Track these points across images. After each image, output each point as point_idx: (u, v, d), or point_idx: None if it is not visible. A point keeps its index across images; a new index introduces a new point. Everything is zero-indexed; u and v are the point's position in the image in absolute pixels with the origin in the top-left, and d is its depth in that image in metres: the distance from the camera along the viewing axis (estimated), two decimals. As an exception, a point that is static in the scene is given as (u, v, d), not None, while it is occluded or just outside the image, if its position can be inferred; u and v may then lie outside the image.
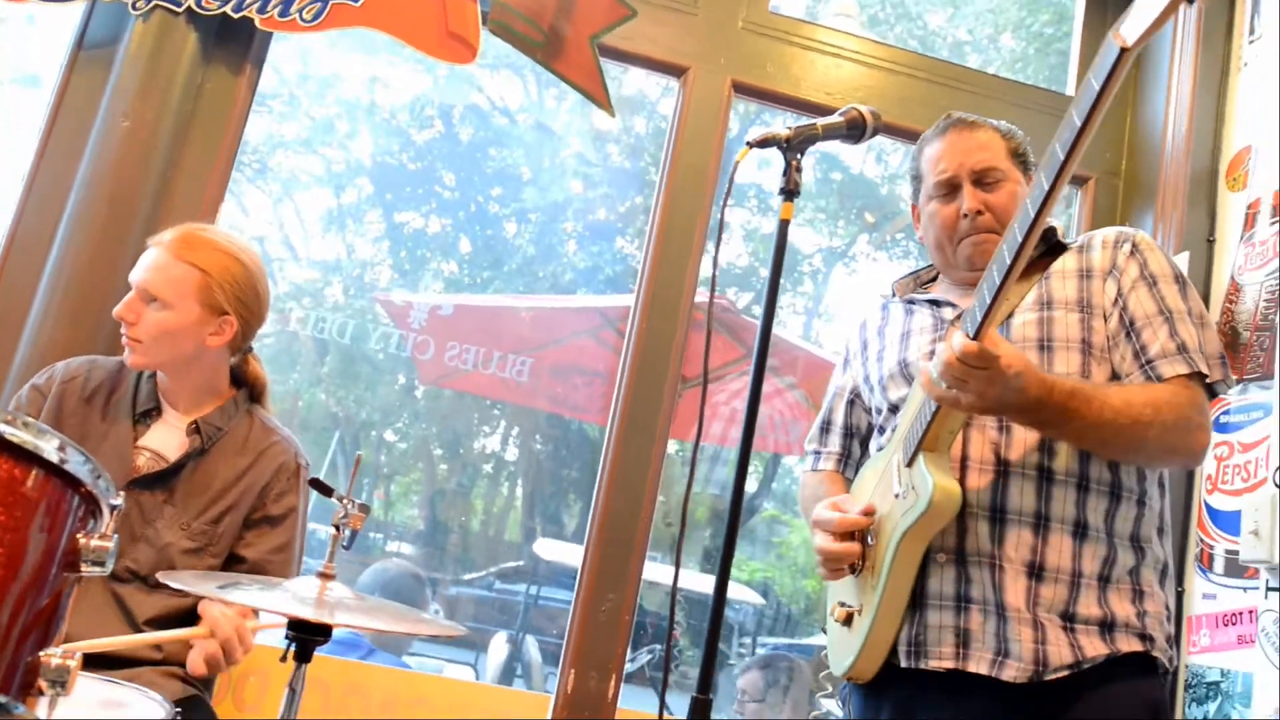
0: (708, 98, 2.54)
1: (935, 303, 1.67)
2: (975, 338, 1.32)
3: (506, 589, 8.38)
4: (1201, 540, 2.35)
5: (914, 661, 1.49)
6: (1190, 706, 2.26)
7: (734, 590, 8.64)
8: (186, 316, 1.74)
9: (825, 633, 1.68)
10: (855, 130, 1.47)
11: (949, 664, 1.46)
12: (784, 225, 1.37)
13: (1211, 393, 1.48)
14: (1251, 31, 2.58)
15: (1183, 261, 2.48)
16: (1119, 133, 2.80)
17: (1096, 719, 1.41)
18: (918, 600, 1.50)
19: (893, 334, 1.70)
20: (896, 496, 1.49)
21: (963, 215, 1.57)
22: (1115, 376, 1.51)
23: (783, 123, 1.52)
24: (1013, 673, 1.42)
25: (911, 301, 1.72)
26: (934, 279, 1.78)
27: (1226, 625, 2.23)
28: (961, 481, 1.47)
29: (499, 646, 5.51)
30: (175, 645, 1.69)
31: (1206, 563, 2.32)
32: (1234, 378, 1.49)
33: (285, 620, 1.32)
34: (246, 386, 1.88)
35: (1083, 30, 2.87)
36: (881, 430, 1.67)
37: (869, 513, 1.53)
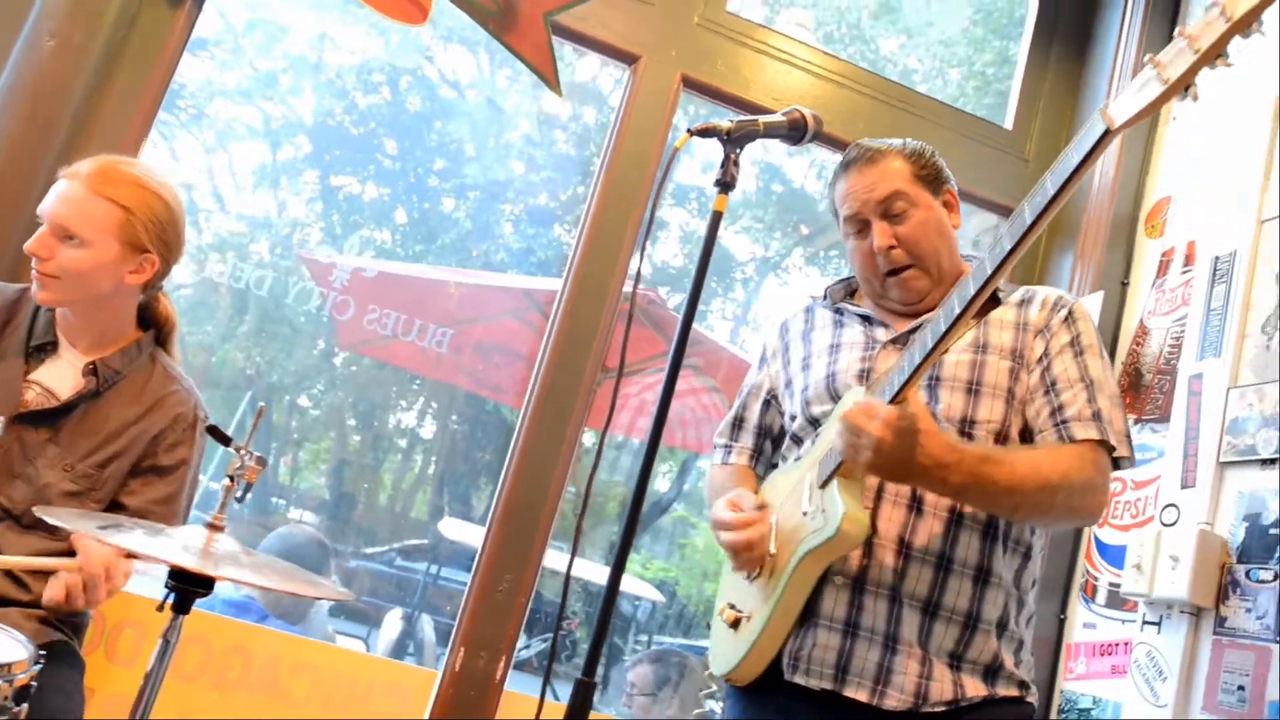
0: (656, 89, 2.54)
1: (867, 319, 1.67)
2: (895, 400, 1.36)
3: (407, 566, 8.27)
4: (1088, 571, 2.43)
5: (793, 675, 1.50)
6: (1061, 730, 2.33)
7: (635, 586, 8.66)
8: (105, 255, 1.66)
9: (709, 628, 1.69)
10: (796, 131, 1.48)
11: (827, 685, 1.48)
12: (716, 216, 1.37)
13: (1115, 465, 1.51)
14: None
15: (1097, 300, 2.56)
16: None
17: None
18: (808, 617, 1.51)
19: (820, 343, 1.69)
20: (805, 515, 1.49)
21: (876, 252, 1.59)
22: (1026, 429, 1.54)
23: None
24: (893, 702, 1.44)
25: (840, 311, 1.71)
26: (859, 290, 1.79)
27: (1102, 655, 2.31)
28: (874, 511, 1.49)
29: (393, 622, 5.44)
30: (43, 587, 1.62)
31: (1090, 593, 2.40)
32: (1134, 460, 1.55)
33: (166, 569, 1.28)
34: (154, 328, 1.81)
35: (1024, 75, 2.94)
36: (799, 440, 1.66)
37: (761, 506, 1.54)
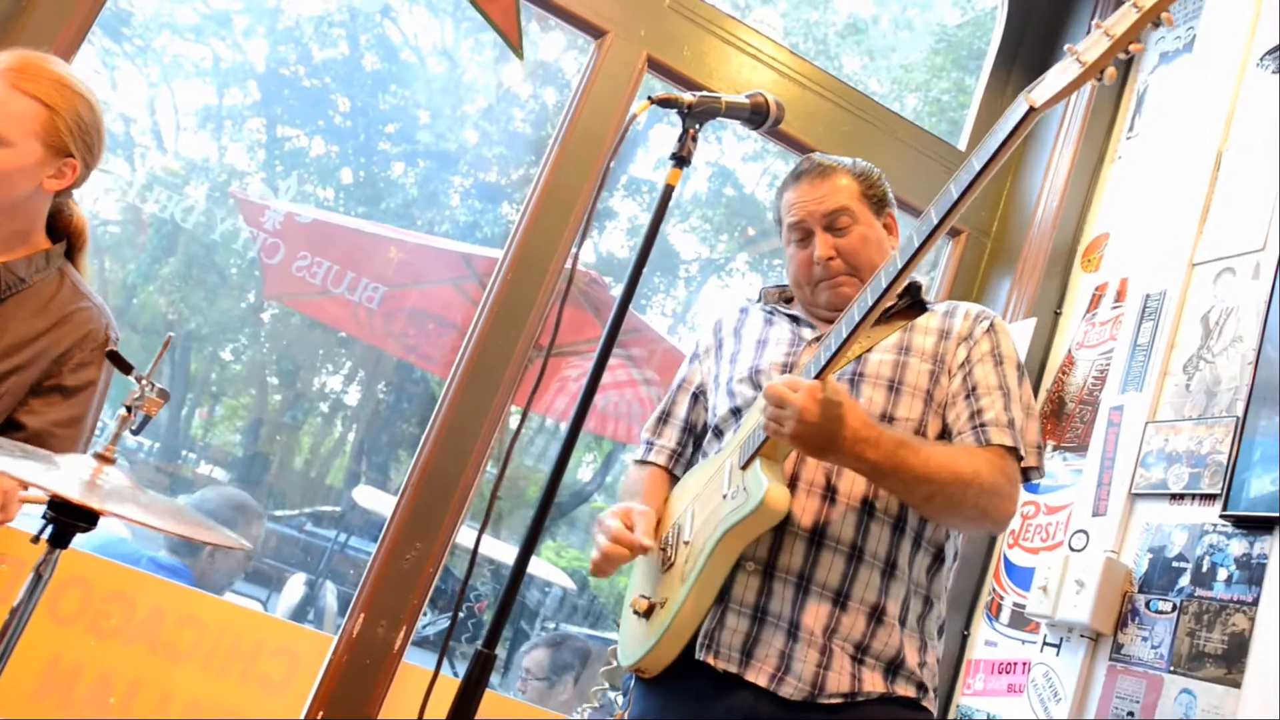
0: (620, 67, 2.50)
1: (795, 319, 1.71)
2: (819, 376, 1.38)
3: (316, 532, 8.10)
4: (994, 589, 2.46)
5: (705, 654, 1.51)
6: (952, 744, 2.36)
7: (547, 571, 8.61)
8: (27, 157, 1.56)
9: (617, 625, 1.67)
10: (758, 116, 1.45)
11: (732, 668, 1.48)
12: (668, 190, 1.33)
13: (1024, 477, 1.55)
14: (1130, 129, 2.72)
15: (1029, 327, 2.59)
16: (997, 196, 2.91)
17: None
18: (721, 600, 1.52)
19: (749, 338, 1.73)
20: (725, 497, 1.50)
21: (815, 261, 1.63)
22: (945, 432, 1.58)
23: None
24: (789, 690, 1.45)
25: (772, 312, 1.76)
26: (794, 298, 1.82)
27: (1001, 673, 2.34)
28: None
29: (295, 587, 5.31)
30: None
31: (995, 612, 2.43)
32: (1045, 470, 1.60)
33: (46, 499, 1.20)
34: (64, 239, 1.71)
35: (981, 100, 2.98)
36: (719, 434, 1.67)
37: (644, 549, 1.52)
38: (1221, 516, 1.94)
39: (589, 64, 2.52)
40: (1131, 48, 1.23)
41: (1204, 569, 1.95)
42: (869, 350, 1.55)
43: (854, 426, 1.37)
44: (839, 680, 1.46)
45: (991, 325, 1.62)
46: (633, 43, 2.51)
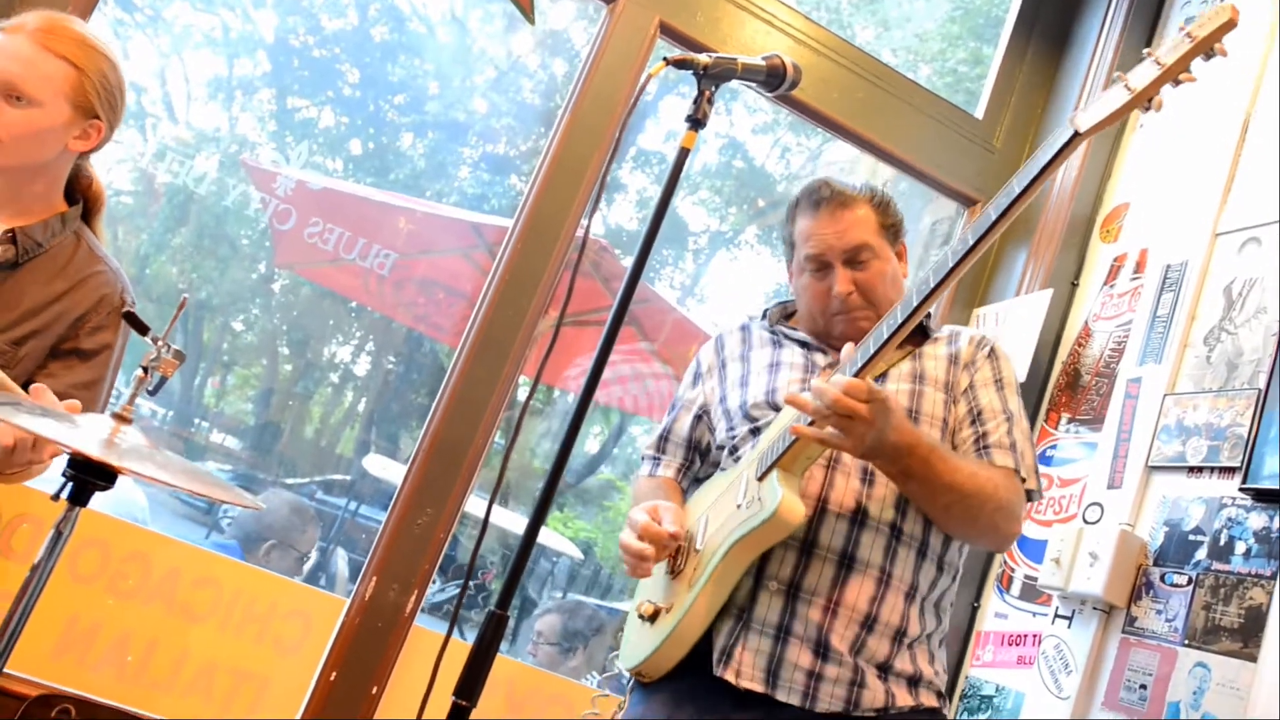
0: (632, 33, 2.47)
1: (805, 345, 1.71)
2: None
3: (327, 500, 8.15)
4: (1005, 562, 2.45)
5: (723, 672, 1.51)
6: (962, 714, 2.36)
7: (555, 541, 8.66)
8: (57, 117, 1.55)
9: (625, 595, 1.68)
10: (774, 78, 1.44)
11: (758, 688, 1.49)
12: (683, 153, 1.32)
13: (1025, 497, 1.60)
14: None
15: (1045, 298, 2.57)
16: (1014, 164, 2.87)
17: None
18: (741, 617, 1.52)
19: (759, 361, 1.72)
20: (738, 507, 1.50)
21: (834, 296, 1.63)
22: None
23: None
24: (825, 705, 1.48)
25: (775, 333, 1.75)
26: (795, 314, 1.82)
27: (1011, 645, 2.34)
28: (818, 523, 1.51)
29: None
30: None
31: (1005, 584, 2.43)
32: (1041, 493, 1.69)
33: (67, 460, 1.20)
34: (81, 201, 1.70)
35: (999, 68, 2.93)
36: (735, 453, 1.67)
37: (675, 537, 1.53)
38: (1241, 490, 1.93)
39: (600, 30, 2.49)
40: (1182, 78, 1.23)
41: (1221, 542, 1.94)
42: (883, 376, 1.58)
43: (900, 429, 1.39)
44: (873, 696, 1.49)
45: (992, 350, 1.67)
46: (645, 8, 2.48)
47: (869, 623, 1.51)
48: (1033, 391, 2.51)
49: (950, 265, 1.36)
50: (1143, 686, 1.97)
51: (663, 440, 1.81)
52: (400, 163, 10.00)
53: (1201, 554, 1.97)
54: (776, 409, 1.62)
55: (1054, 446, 2.44)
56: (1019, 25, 2.94)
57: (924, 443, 1.44)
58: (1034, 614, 2.31)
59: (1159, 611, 2.00)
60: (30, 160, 1.58)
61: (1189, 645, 1.92)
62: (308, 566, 5.16)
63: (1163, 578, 2.03)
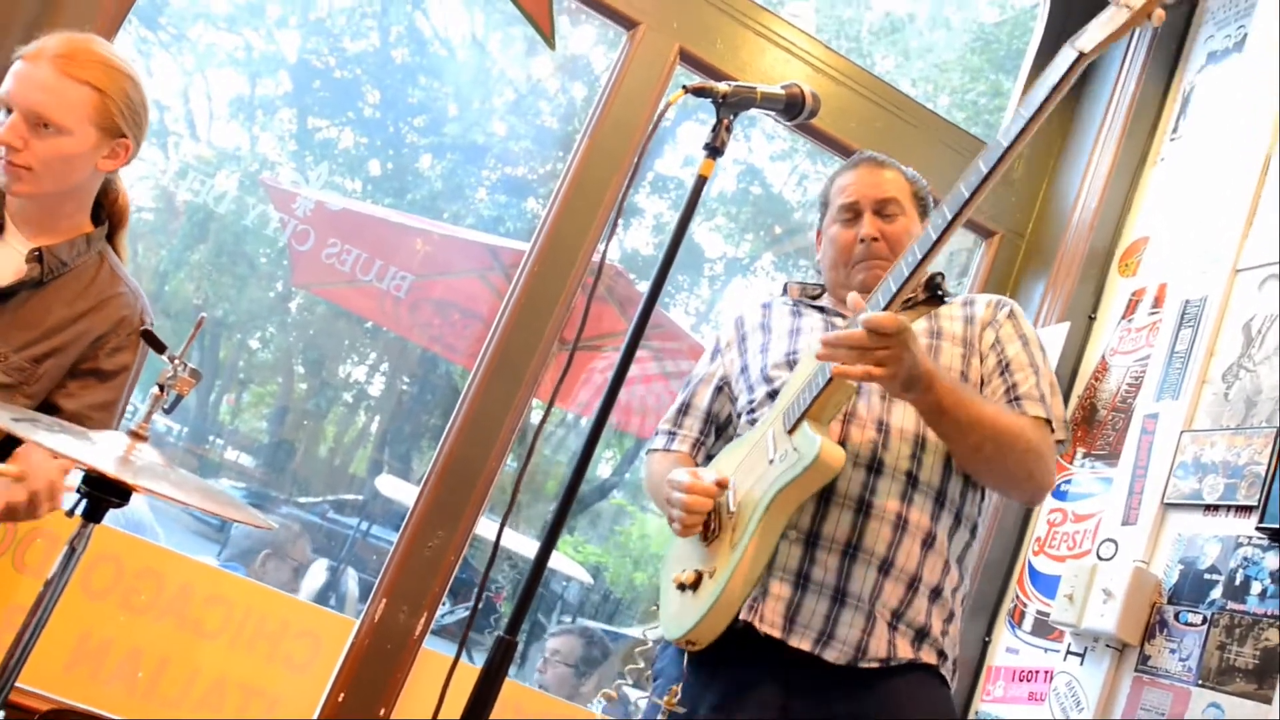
0: (653, 58, 2.48)
1: (824, 310, 1.74)
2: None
3: (338, 520, 8.15)
4: (1018, 597, 2.43)
5: (750, 616, 1.53)
6: (973, 750, 2.34)
7: (565, 565, 8.62)
8: (85, 142, 1.58)
9: (658, 607, 1.66)
10: (793, 108, 1.44)
11: (776, 633, 1.51)
12: (701, 181, 1.33)
13: None
14: (1174, 130, 2.68)
15: (1062, 331, 2.56)
16: (1033, 197, 2.88)
17: (899, 713, 1.50)
18: (765, 567, 1.53)
19: (780, 329, 1.75)
20: (771, 462, 1.52)
21: (860, 240, 1.68)
22: None
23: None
24: (834, 654, 1.49)
25: (798, 305, 1.79)
26: (819, 295, 1.84)
27: (1022, 681, 2.31)
28: None
29: (317, 572, 5.33)
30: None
31: (1017, 619, 2.41)
32: (1070, 444, 1.64)
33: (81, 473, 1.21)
34: (106, 222, 1.72)
35: (1020, 99, 2.94)
36: (753, 418, 1.68)
37: (721, 484, 1.55)
38: (1258, 529, 1.91)
39: (620, 56, 2.51)
40: None
41: (1237, 582, 1.92)
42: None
43: (927, 359, 1.42)
44: (878, 645, 1.50)
45: (1011, 310, 1.70)
46: (665, 34, 2.50)
47: (885, 566, 1.52)
48: (1048, 424, 2.49)
49: (967, 196, 1.36)
50: (1157, 726, 1.94)
51: (681, 414, 1.81)
52: (418, 184, 10.07)
53: (1217, 593, 1.95)
54: (793, 370, 1.64)
55: (1069, 481, 2.42)
56: (1039, 57, 2.95)
57: (949, 376, 1.48)
58: (1046, 650, 2.28)
59: (1173, 650, 1.98)
60: (62, 186, 1.61)
61: (1203, 685, 1.90)
62: (317, 586, 5.16)
63: (1177, 616, 2.00)
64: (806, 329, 1.72)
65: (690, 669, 1.61)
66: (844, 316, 1.67)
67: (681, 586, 1.57)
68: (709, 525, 1.58)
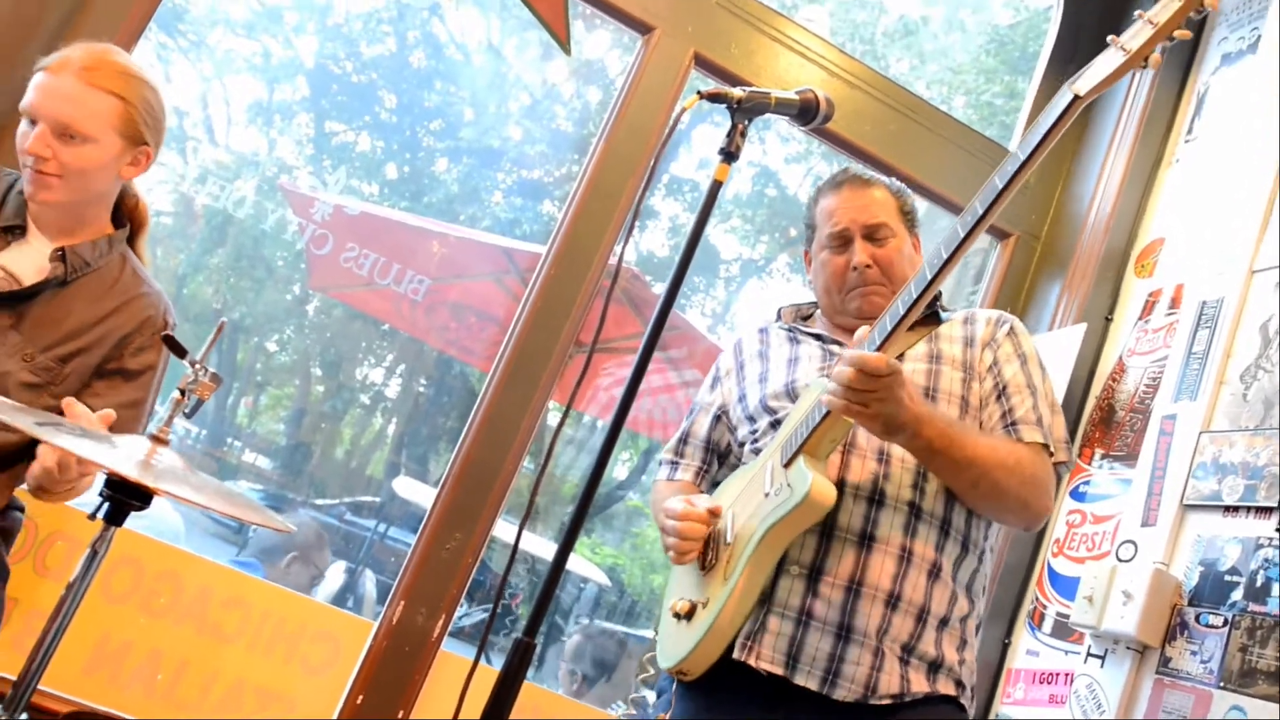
0: (667, 63, 2.49)
1: (821, 338, 1.73)
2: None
3: (356, 522, 8.19)
4: (1037, 598, 2.42)
5: (745, 655, 1.51)
6: (991, 753, 2.33)
7: (582, 567, 8.64)
8: (110, 150, 1.61)
9: (655, 626, 1.67)
10: (807, 113, 1.45)
11: (778, 670, 1.49)
12: (716, 186, 1.33)
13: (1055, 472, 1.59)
14: (1189, 132, 2.67)
15: (1078, 332, 2.55)
16: (1048, 199, 2.87)
17: None
18: (763, 603, 1.52)
19: (778, 358, 1.74)
20: (766, 495, 1.51)
21: (852, 268, 1.66)
22: None
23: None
24: (843, 693, 1.46)
25: (793, 331, 1.77)
26: (812, 315, 1.84)
27: (1042, 683, 2.30)
28: (836, 506, 1.50)
29: (335, 574, 5.37)
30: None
31: (1037, 621, 2.40)
32: (1074, 462, 1.62)
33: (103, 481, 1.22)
34: (126, 223, 1.75)
35: (1033, 103, 2.93)
36: (756, 448, 1.68)
37: (714, 513, 1.56)
38: (1278, 530, 1.90)
39: (635, 60, 2.52)
40: (1176, 34, 1.26)
41: (1259, 584, 1.91)
42: (899, 358, 1.55)
43: (916, 402, 1.40)
44: (890, 681, 1.47)
45: (1011, 328, 1.67)
46: (680, 39, 2.51)
47: (892, 601, 1.50)
48: (1066, 426, 2.48)
49: (962, 235, 1.36)
50: (1177, 730, 1.93)
51: (681, 443, 1.82)
52: (434, 188, 10.12)
53: (1238, 595, 1.94)
54: (794, 400, 1.63)
55: (1087, 482, 2.41)
56: (1054, 59, 2.94)
57: (941, 416, 1.45)
58: (1066, 652, 2.27)
59: (1194, 653, 1.97)
60: (87, 193, 1.64)
61: (1224, 688, 1.89)
62: (335, 588, 5.19)
63: (1198, 618, 1.99)
64: (804, 357, 1.70)
65: (682, 697, 1.62)
66: (840, 345, 1.68)
67: (677, 615, 1.58)
68: (706, 555, 1.58)
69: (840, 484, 1.52)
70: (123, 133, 1.62)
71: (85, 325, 1.64)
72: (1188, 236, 2.49)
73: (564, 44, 2.39)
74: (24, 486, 1.55)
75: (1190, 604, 2.02)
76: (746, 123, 1.38)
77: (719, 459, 1.80)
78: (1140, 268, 2.61)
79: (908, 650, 1.49)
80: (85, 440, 1.23)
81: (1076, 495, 2.42)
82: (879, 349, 1.40)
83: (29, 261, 1.63)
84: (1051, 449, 1.55)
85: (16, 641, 1.92)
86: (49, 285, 1.62)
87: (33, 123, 1.59)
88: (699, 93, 1.35)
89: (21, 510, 1.67)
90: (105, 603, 2.11)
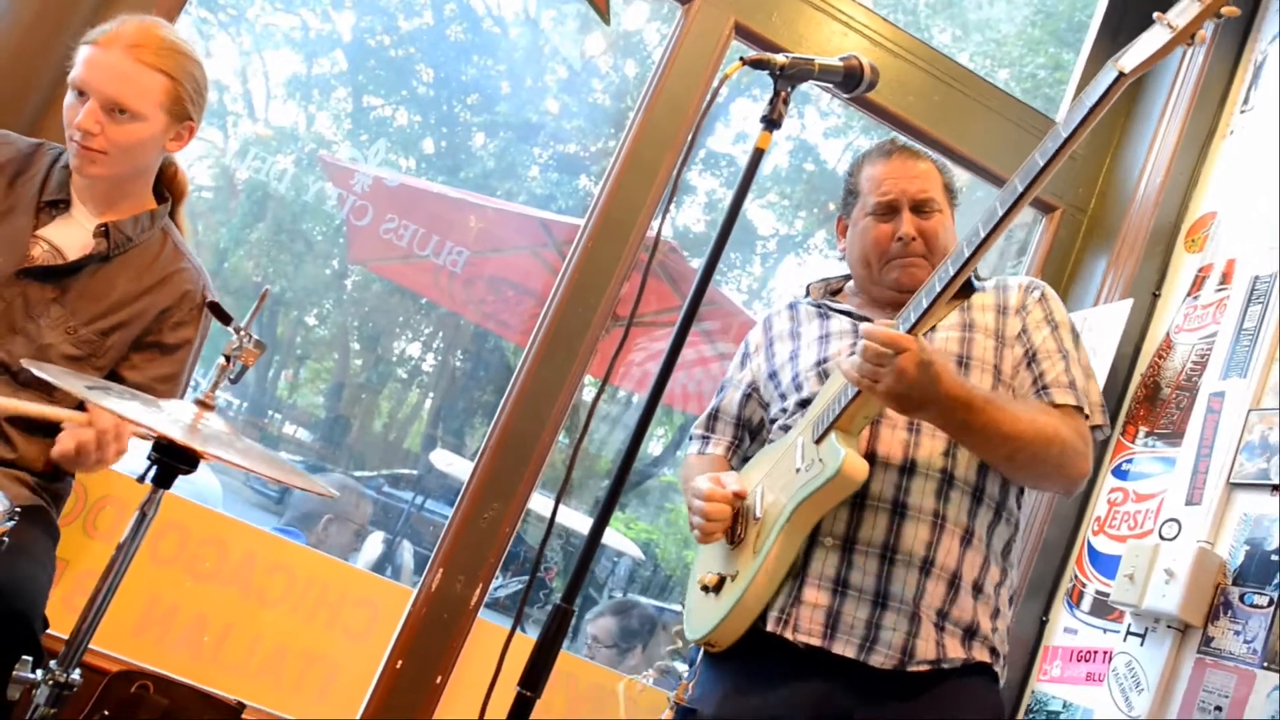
0: (707, 33, 2.47)
1: (850, 314, 1.72)
2: (910, 332, 1.39)
3: (393, 494, 8.30)
4: (1076, 576, 2.40)
5: (781, 629, 1.51)
6: (1027, 730, 2.32)
7: (617, 540, 8.69)
8: (156, 126, 1.64)
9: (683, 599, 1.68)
10: (851, 80, 1.43)
11: (816, 642, 1.49)
12: (758, 154, 1.32)
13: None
14: (1245, 102, 2.60)
15: (1124, 308, 2.50)
16: (1095, 171, 2.81)
17: (949, 713, 1.47)
18: (797, 575, 1.53)
19: (809, 335, 1.73)
20: (798, 470, 1.51)
21: (897, 238, 1.64)
22: None
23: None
24: (880, 659, 1.47)
25: (822, 307, 1.76)
26: (841, 290, 1.82)
27: (1080, 661, 2.28)
28: (868, 476, 1.49)
29: (374, 545, 5.45)
30: (30, 449, 1.59)
31: (1076, 599, 2.37)
32: (1108, 426, 1.63)
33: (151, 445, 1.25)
34: (168, 196, 1.77)
35: (1082, 74, 2.87)
36: (787, 425, 1.68)
37: (740, 495, 1.56)
38: (1327, 509, 1.86)
39: (675, 30, 2.50)
40: (1224, 10, 1.24)
41: (1305, 562, 1.87)
42: (932, 329, 1.56)
43: (948, 385, 1.38)
44: (926, 647, 1.48)
45: (1043, 294, 1.67)
46: (721, 7, 2.48)
47: (926, 566, 1.50)
48: (1110, 404, 2.44)
49: (1001, 213, 1.35)
50: (1218, 708, 1.91)
51: (712, 419, 1.82)
52: (471, 162, 10.14)
53: (1285, 575, 1.90)
54: (825, 377, 1.63)
55: (1129, 460, 2.38)
56: (1103, 30, 2.87)
57: (977, 395, 1.43)
58: (1105, 630, 2.25)
59: (1237, 632, 1.94)
60: (132, 168, 1.67)
61: (1268, 668, 1.86)
62: (374, 557, 5.27)
63: (1242, 598, 1.96)
64: (835, 333, 1.70)
65: (708, 668, 1.62)
66: (869, 319, 1.65)
67: (705, 588, 1.58)
68: (735, 529, 1.58)
69: (871, 455, 1.52)
70: (169, 109, 1.64)
71: (127, 299, 1.67)
72: (1242, 210, 2.43)
73: (603, 14, 2.37)
74: None
75: (1235, 583, 1.98)
76: (789, 90, 1.37)
77: (750, 434, 1.80)
78: (1190, 242, 2.55)
79: (942, 615, 1.50)
80: (134, 404, 1.26)
81: (1119, 473, 2.38)
82: (914, 326, 1.39)
83: (73, 236, 1.66)
84: (1087, 411, 1.54)
85: (68, 601, 1.97)
86: (92, 260, 1.65)
87: (80, 95, 1.60)
88: (742, 59, 1.34)
89: (71, 475, 1.71)
90: (153, 566, 2.15)
